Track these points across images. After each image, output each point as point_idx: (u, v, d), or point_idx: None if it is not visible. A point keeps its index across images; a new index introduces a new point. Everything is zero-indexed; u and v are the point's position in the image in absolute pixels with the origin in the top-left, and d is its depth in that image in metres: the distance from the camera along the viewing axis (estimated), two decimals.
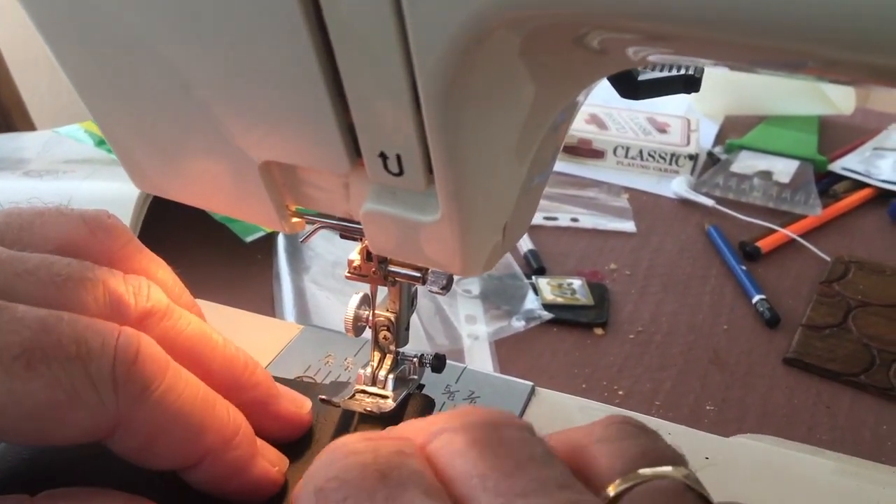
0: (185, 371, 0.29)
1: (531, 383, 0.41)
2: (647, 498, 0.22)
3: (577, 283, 0.72)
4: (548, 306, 0.68)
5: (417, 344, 0.64)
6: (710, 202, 0.86)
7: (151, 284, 0.31)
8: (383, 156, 0.25)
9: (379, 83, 0.22)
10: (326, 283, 0.66)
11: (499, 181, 0.27)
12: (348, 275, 0.35)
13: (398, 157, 0.25)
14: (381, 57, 0.21)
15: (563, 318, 0.67)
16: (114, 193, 0.69)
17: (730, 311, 0.72)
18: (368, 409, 0.35)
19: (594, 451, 0.25)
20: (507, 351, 0.64)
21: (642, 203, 0.88)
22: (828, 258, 0.78)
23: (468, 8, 0.19)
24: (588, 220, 0.83)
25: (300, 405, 0.36)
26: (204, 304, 0.36)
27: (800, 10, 0.16)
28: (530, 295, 0.69)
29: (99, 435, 0.27)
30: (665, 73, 0.31)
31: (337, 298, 0.63)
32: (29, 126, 1.07)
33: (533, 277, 0.72)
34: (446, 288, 0.34)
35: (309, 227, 0.32)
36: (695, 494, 0.23)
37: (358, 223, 0.29)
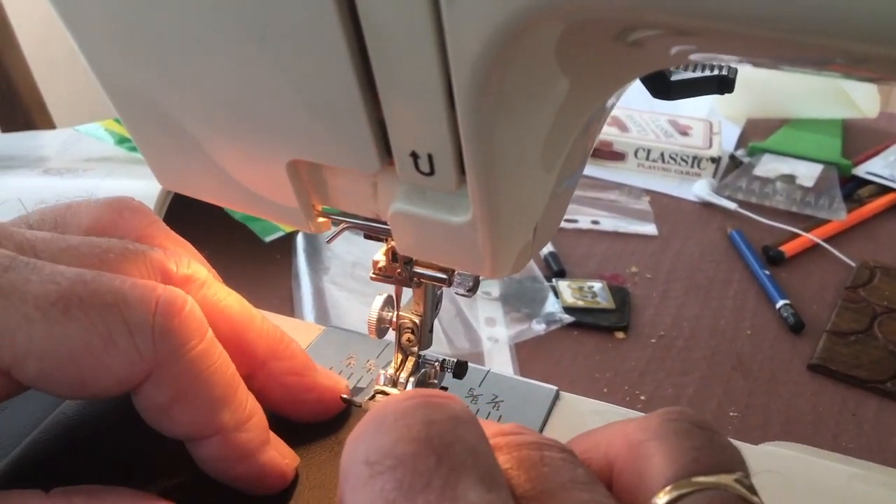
0: (221, 346, 0.30)
1: (555, 387, 0.41)
2: None
3: (597, 286, 0.71)
4: (568, 309, 0.67)
5: (437, 346, 0.63)
6: (732, 206, 0.85)
7: (190, 257, 0.33)
8: (414, 155, 0.24)
9: (413, 81, 0.22)
10: (346, 283, 0.65)
11: (530, 182, 0.26)
12: (373, 276, 0.35)
13: (430, 157, 0.24)
14: (415, 54, 0.21)
15: (584, 321, 0.67)
16: (134, 191, 0.68)
17: (753, 315, 0.71)
18: None
19: (648, 449, 0.24)
20: (527, 354, 0.64)
21: (663, 206, 0.87)
22: (853, 263, 0.77)
23: (491, 24, 0.18)
24: (609, 223, 0.82)
25: (336, 380, 0.37)
26: None
27: (831, 5, 0.15)
28: (551, 298, 0.69)
29: (132, 383, 0.28)
30: (699, 74, 0.31)
31: (356, 299, 0.63)
32: (49, 124, 1.08)
33: (553, 280, 0.71)
34: (473, 290, 0.34)
35: (335, 227, 0.32)
36: None
37: (385, 224, 0.29)
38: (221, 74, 0.25)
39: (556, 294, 0.69)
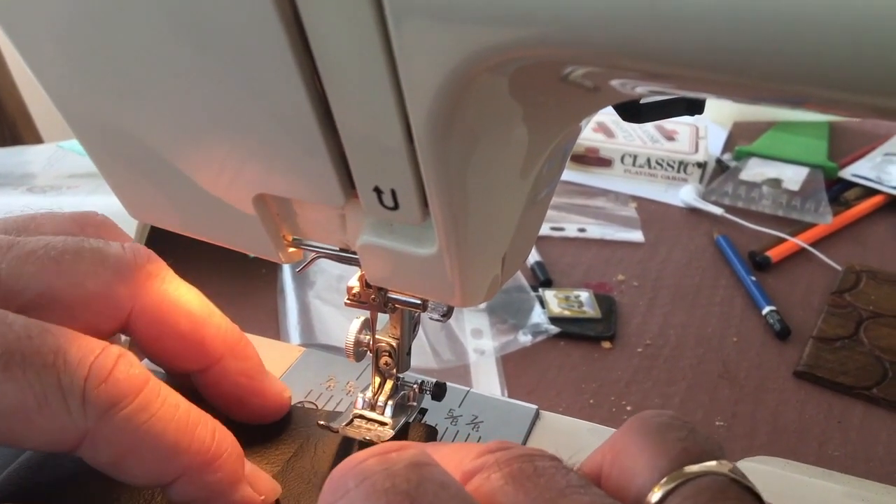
0: (167, 390, 0.30)
1: (535, 407, 0.41)
2: (694, 496, 0.22)
3: (584, 295, 0.71)
4: (555, 319, 0.67)
5: (423, 358, 0.63)
6: (718, 211, 0.85)
7: (149, 250, 0.33)
8: (378, 190, 0.24)
9: (371, 120, 0.22)
10: (331, 298, 0.65)
11: (496, 213, 0.26)
12: (348, 302, 0.35)
13: (393, 192, 0.24)
14: (372, 96, 0.21)
15: (570, 331, 0.67)
16: (118, 208, 0.69)
17: (739, 322, 0.71)
18: (367, 437, 0.34)
19: (634, 447, 0.24)
20: (513, 366, 0.63)
21: (650, 212, 0.87)
22: (839, 267, 0.77)
23: (450, 55, 0.18)
24: (595, 230, 0.82)
25: (283, 389, 0.38)
26: None
27: (798, 56, 0.15)
28: (537, 308, 0.69)
29: (66, 445, 0.28)
30: (668, 96, 0.31)
31: (342, 314, 0.63)
32: (35, 138, 1.07)
33: (540, 290, 0.71)
34: (447, 315, 0.33)
35: (307, 256, 0.32)
36: (740, 487, 0.22)
37: (355, 254, 0.29)
38: (183, 108, 0.25)
39: (543, 304, 0.69)
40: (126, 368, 0.28)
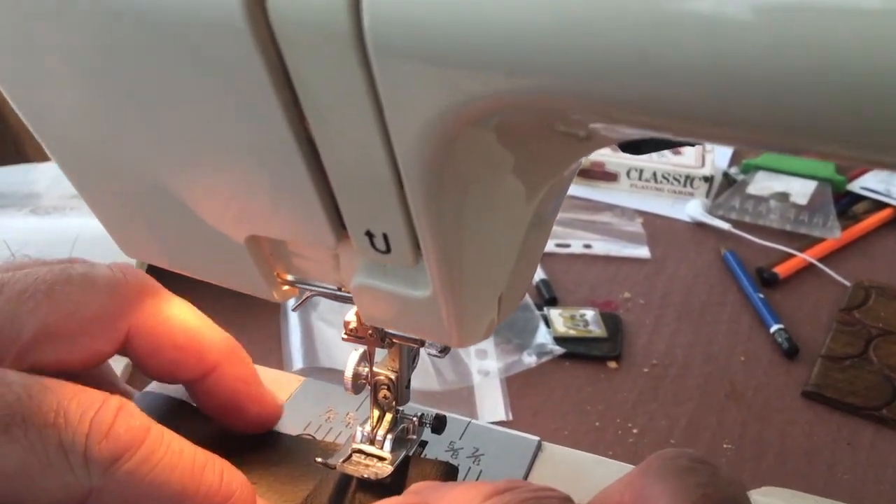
0: (170, 436, 0.30)
1: (537, 439, 0.40)
2: None
3: (589, 314, 0.70)
4: (560, 339, 0.67)
5: (426, 380, 0.62)
6: (726, 226, 0.84)
7: (137, 269, 0.33)
8: (370, 234, 0.24)
9: (359, 165, 0.21)
10: (335, 319, 0.65)
11: (491, 256, 0.26)
12: (345, 337, 0.34)
13: (385, 236, 0.24)
14: (359, 140, 0.20)
15: (576, 351, 0.66)
16: None
17: (747, 340, 0.70)
18: (365, 475, 0.34)
19: (653, 491, 0.23)
20: (518, 387, 0.63)
21: (657, 227, 0.86)
22: (847, 283, 0.76)
23: (436, 100, 0.18)
24: (601, 247, 0.81)
25: (275, 398, 0.39)
26: None
27: (796, 111, 0.15)
28: (542, 327, 0.68)
29: (72, 503, 0.27)
30: None
31: None
32: (41, 155, 1.07)
33: (545, 308, 0.71)
34: (445, 351, 0.33)
35: (303, 292, 0.31)
36: None
37: (349, 293, 0.28)
38: (173, 147, 0.25)
39: (548, 323, 0.68)
40: (126, 420, 0.28)
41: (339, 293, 0.30)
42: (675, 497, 0.23)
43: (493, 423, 0.60)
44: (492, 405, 0.60)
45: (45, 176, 0.86)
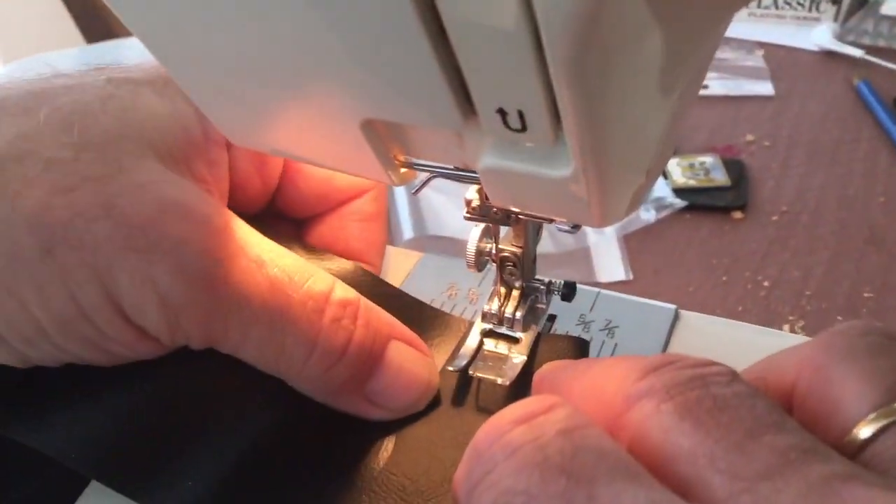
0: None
1: (674, 307, 0.37)
2: None
3: (710, 160, 0.66)
4: (679, 191, 0.63)
5: (540, 243, 0.60)
6: (858, 53, 0.76)
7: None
8: (502, 112, 0.21)
9: (492, 35, 0.18)
10: (442, 185, 0.62)
11: (641, 124, 0.22)
12: (467, 216, 0.32)
13: (520, 113, 0.21)
14: (498, 18, 0.17)
15: (698, 203, 0.62)
16: None
17: (886, 179, 0.64)
18: (499, 380, 0.32)
19: (838, 373, 0.20)
20: (637, 245, 0.60)
21: (780, 60, 0.79)
22: None
23: None
24: (719, 85, 0.75)
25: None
26: None
27: None
28: (659, 179, 0.64)
29: None
30: None
31: (454, 203, 0.60)
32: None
33: None
34: (577, 227, 0.30)
35: (421, 177, 0.29)
36: None
37: (475, 172, 0.26)
38: (277, 33, 0.22)
39: (665, 174, 0.64)
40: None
41: (463, 173, 0.27)
42: (865, 379, 0.20)
43: (612, 283, 0.58)
44: (610, 265, 0.58)
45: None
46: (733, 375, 0.21)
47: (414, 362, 0.33)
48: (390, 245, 0.41)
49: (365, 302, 0.32)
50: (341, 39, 0.21)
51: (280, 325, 0.29)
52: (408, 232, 0.58)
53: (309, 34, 0.21)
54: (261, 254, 0.29)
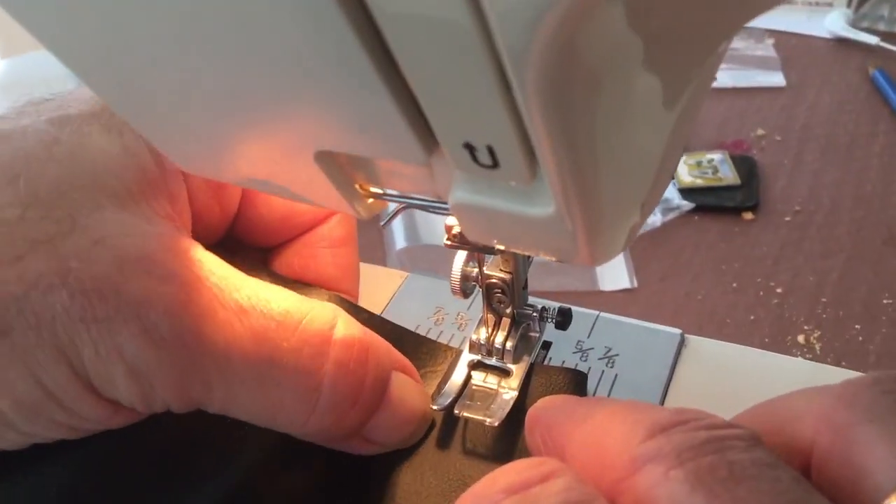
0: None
1: (679, 332, 0.35)
2: None
3: (718, 157, 0.63)
4: (686, 191, 0.60)
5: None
6: (873, 40, 0.73)
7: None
8: (470, 147, 0.18)
9: (450, 69, 0.15)
10: None
11: (634, 154, 0.19)
12: (447, 243, 0.29)
13: (489, 149, 0.18)
14: (451, 42, 0.14)
15: (706, 203, 0.59)
16: None
17: None
18: (488, 422, 0.29)
19: (864, 435, 0.18)
20: (642, 250, 0.57)
21: (791, 48, 0.76)
22: None
23: None
24: (727, 77, 0.72)
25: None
26: None
27: None
28: None
29: None
30: None
31: None
32: None
33: None
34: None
35: (391, 206, 0.26)
36: None
37: (447, 204, 0.23)
38: (227, 59, 0.19)
39: (671, 174, 0.61)
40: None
41: (435, 205, 0.24)
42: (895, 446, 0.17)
43: (616, 290, 0.55)
44: (613, 273, 0.55)
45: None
46: (754, 440, 0.18)
47: (413, 394, 0.30)
48: (382, 255, 0.38)
49: (370, 336, 0.29)
50: (284, 69, 0.18)
51: (272, 380, 0.26)
52: (400, 241, 0.55)
53: (252, 62, 0.18)
54: (240, 301, 0.26)
